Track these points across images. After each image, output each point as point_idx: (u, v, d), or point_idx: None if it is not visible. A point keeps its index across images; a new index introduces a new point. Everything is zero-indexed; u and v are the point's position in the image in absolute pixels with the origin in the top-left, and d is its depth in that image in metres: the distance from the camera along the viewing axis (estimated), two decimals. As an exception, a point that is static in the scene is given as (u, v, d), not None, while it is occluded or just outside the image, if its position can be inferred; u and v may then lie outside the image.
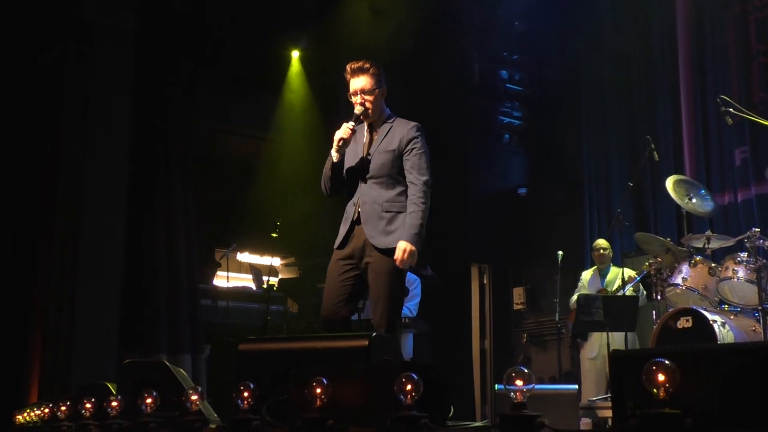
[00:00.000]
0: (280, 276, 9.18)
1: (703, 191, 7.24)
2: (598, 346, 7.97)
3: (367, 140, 4.46)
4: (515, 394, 2.49)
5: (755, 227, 6.45)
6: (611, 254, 8.42)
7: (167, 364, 4.12)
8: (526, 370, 2.50)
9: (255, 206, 9.29)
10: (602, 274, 8.32)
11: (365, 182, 4.37)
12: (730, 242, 6.86)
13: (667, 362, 2.23)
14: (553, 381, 8.80)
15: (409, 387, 2.62)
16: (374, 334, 3.51)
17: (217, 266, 8.96)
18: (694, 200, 7.12)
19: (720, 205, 8.42)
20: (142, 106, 8.01)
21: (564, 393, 6.33)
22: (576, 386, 6.55)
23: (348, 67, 4.42)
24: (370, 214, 4.30)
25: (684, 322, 6.23)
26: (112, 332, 7.37)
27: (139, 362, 4.65)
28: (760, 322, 6.03)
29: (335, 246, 4.43)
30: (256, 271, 8.88)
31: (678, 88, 9.59)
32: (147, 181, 8.00)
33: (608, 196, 10.26)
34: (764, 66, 8.67)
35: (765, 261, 6.23)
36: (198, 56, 8.74)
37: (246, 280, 9.47)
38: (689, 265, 6.68)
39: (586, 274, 8.42)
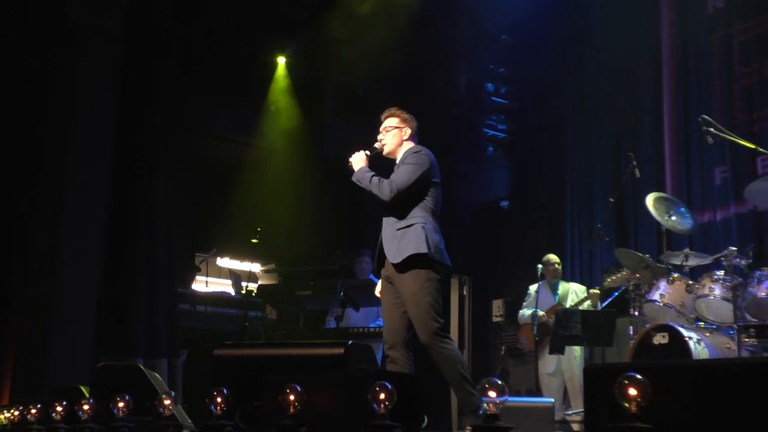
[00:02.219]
0: (259, 282, 9.14)
1: (682, 209, 7.29)
2: (556, 361, 8.04)
3: None
4: (488, 406, 2.49)
5: (733, 246, 6.50)
6: (562, 269, 8.56)
7: (142, 368, 4.11)
8: (499, 382, 2.51)
9: (237, 211, 9.26)
10: (552, 288, 8.40)
11: (384, 214, 4.86)
12: (708, 260, 6.90)
13: (638, 377, 2.24)
14: (531, 394, 8.80)
15: (382, 396, 2.62)
16: (350, 342, 3.52)
17: (197, 271, 8.91)
18: (673, 218, 7.16)
19: (699, 223, 8.48)
20: (128, 109, 7.97)
21: (540, 406, 6.32)
22: (552, 400, 6.55)
23: (384, 112, 5.12)
24: (388, 240, 4.74)
25: (660, 338, 6.26)
26: (88, 335, 7.31)
27: (114, 366, 4.63)
28: (734, 340, 6.07)
29: (377, 273, 4.95)
30: (236, 277, 8.84)
31: (661, 106, 9.66)
32: (129, 184, 7.96)
33: (590, 210, 10.31)
34: (746, 88, 8.75)
35: (741, 279, 6.27)
36: (185, 60, 8.72)
37: (225, 286, 9.43)
38: (667, 282, 6.72)
39: (534, 288, 8.44)
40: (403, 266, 4.62)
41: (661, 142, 9.59)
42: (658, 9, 9.83)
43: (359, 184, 4.84)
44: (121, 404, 3.43)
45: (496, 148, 11.47)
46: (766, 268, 6.29)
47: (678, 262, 6.86)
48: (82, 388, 4.33)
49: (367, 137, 11.60)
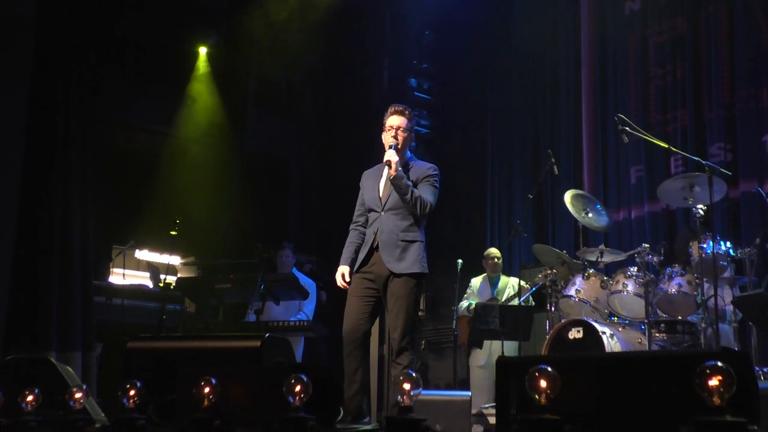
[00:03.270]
0: (178, 275, 9.01)
1: (599, 206, 7.44)
2: (487, 354, 8.12)
3: (388, 176, 5.00)
4: (402, 398, 2.51)
5: (646, 243, 6.67)
6: (502, 263, 8.62)
7: (53, 361, 4.02)
8: (414, 375, 2.53)
9: (156, 203, 9.11)
10: (492, 282, 8.48)
11: (384, 213, 4.96)
12: (622, 257, 7.07)
13: (549, 369, 2.28)
14: (449, 388, 8.88)
15: (297, 389, 2.62)
16: (267, 335, 3.50)
17: (109, 261, 8.74)
18: (590, 215, 7.31)
19: (615, 220, 8.67)
20: (41, 98, 7.74)
21: (457, 400, 6.39)
22: (469, 393, 6.63)
23: (390, 108, 5.12)
24: (388, 243, 4.88)
25: (575, 333, 6.39)
26: (-2, 328, 7.10)
27: (23, 359, 4.50)
28: (646, 335, 6.23)
29: (355, 269, 4.98)
30: (153, 269, 8.70)
31: (580, 105, 9.85)
32: (43, 175, 7.73)
33: (510, 207, 10.44)
34: (661, 88, 8.97)
35: (652, 276, 6.45)
36: (103, 48, 8.52)
37: (143, 278, 9.27)
38: (583, 278, 6.86)
39: (476, 282, 8.55)
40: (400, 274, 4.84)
41: (579, 140, 9.78)
42: (578, 9, 10.01)
43: (395, 184, 4.89)
44: (29, 398, 3.35)
45: (418, 143, 11.48)
46: (677, 265, 6.48)
47: (593, 259, 7.01)
48: (-11, 382, 4.21)
49: (288, 130, 11.59)
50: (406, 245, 4.88)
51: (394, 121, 5.06)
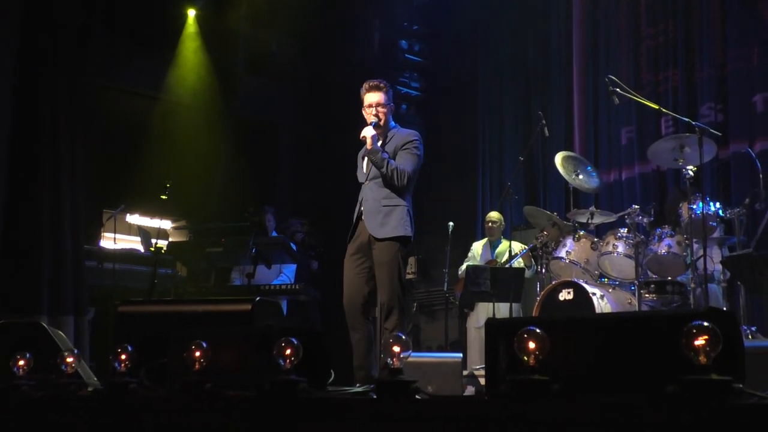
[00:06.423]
0: (169, 239, 9.01)
1: (589, 168, 7.45)
2: (485, 315, 8.13)
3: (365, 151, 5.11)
4: (392, 360, 2.52)
5: (636, 204, 6.69)
6: (503, 227, 8.61)
7: (44, 325, 4.02)
8: (403, 337, 2.54)
9: (146, 167, 9.08)
10: (494, 245, 8.50)
11: (368, 182, 5.06)
12: (612, 218, 7.10)
13: (537, 330, 2.30)
14: (441, 350, 8.94)
15: (288, 351, 2.64)
16: (258, 298, 3.51)
17: (100, 225, 8.73)
18: (580, 176, 7.32)
19: (605, 182, 8.68)
20: (28, 59, 7.67)
21: (449, 361, 6.43)
22: (461, 354, 6.67)
23: (365, 84, 5.17)
24: (370, 210, 4.97)
25: (566, 294, 6.43)
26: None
27: (15, 323, 4.50)
28: (635, 296, 6.27)
29: (347, 240, 5.08)
30: (145, 234, 8.69)
31: (571, 65, 9.81)
32: (31, 139, 7.69)
33: (501, 169, 10.44)
34: (652, 49, 8.94)
35: (642, 237, 6.48)
36: (90, 9, 8.43)
37: (134, 243, 9.27)
38: (573, 239, 6.89)
39: (478, 245, 8.57)
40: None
41: (570, 101, 9.75)
42: (570, -32, 9.94)
43: (371, 159, 4.99)
44: (21, 362, 3.37)
45: (409, 106, 11.46)
46: (666, 226, 6.50)
47: (584, 220, 7.03)
48: (-19, 347, 4.21)
49: (279, 93, 11.53)
50: (389, 210, 4.94)
51: (372, 98, 5.13)
